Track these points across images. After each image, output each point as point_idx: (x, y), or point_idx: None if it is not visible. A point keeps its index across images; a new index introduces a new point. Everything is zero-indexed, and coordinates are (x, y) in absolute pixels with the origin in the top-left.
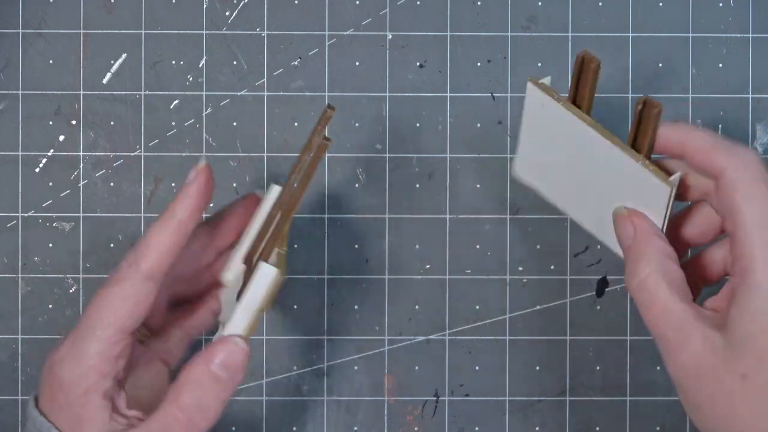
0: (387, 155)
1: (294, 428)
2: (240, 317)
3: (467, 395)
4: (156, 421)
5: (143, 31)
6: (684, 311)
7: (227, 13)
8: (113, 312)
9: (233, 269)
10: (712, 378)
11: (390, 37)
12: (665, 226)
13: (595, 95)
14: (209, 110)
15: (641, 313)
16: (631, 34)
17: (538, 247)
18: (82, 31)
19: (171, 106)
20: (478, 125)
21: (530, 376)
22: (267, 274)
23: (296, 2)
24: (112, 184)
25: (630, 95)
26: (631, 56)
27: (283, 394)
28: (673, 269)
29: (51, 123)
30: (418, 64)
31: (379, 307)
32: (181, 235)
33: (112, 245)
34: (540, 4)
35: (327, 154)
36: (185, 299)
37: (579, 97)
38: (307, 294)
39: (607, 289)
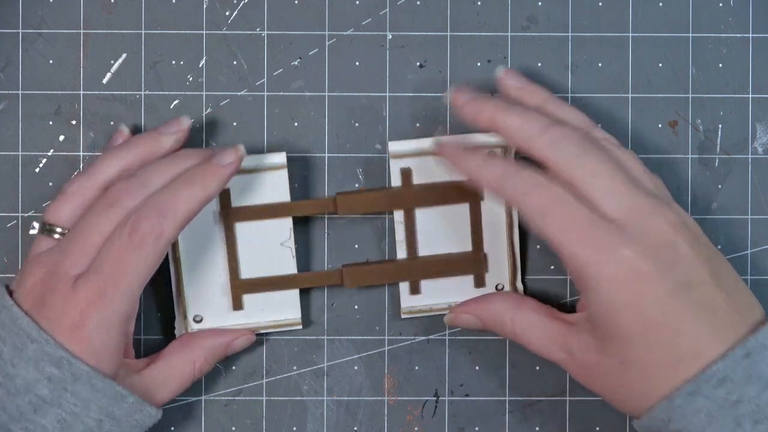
0: (387, 155)
1: (294, 428)
2: None
3: (467, 395)
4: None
5: (143, 31)
6: (552, 335)
7: (227, 13)
8: (138, 276)
9: None
10: (600, 372)
11: (390, 37)
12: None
13: (595, 95)
14: (209, 110)
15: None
16: (631, 34)
17: (538, 247)
18: (82, 31)
19: (171, 106)
20: None
21: (530, 376)
22: None
23: (296, 2)
24: None
25: (630, 95)
26: (631, 56)
27: (283, 394)
28: (522, 308)
29: (51, 123)
30: (418, 64)
31: (379, 307)
32: (204, 205)
33: None
34: (540, 4)
35: (327, 154)
36: None
37: None
38: (307, 294)
39: None
